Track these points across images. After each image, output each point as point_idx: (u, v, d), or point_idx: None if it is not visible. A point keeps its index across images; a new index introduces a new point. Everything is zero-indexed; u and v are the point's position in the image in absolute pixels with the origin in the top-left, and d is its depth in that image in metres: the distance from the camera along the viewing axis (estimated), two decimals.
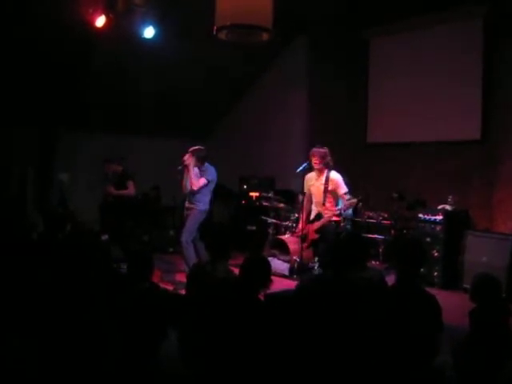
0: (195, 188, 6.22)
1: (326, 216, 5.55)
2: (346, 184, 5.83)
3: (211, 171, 6.42)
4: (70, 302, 3.45)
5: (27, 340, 2.89)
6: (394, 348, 2.98)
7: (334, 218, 5.59)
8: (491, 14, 7.15)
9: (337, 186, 5.58)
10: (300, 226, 5.77)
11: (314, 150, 5.69)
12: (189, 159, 6.27)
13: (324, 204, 5.58)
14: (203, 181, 6.27)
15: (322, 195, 5.56)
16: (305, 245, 5.56)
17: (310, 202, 5.84)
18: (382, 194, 7.64)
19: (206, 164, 6.45)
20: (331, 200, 5.62)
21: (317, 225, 5.52)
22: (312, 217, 5.59)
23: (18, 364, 2.66)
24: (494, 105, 7.19)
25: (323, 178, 5.58)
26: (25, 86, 7.85)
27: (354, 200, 5.49)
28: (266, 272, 3.39)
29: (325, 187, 5.56)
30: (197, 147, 6.41)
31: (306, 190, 5.85)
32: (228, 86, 9.89)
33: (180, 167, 6.28)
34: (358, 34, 8.56)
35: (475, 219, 7.18)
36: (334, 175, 5.61)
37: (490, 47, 7.19)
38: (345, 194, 5.59)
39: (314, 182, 5.58)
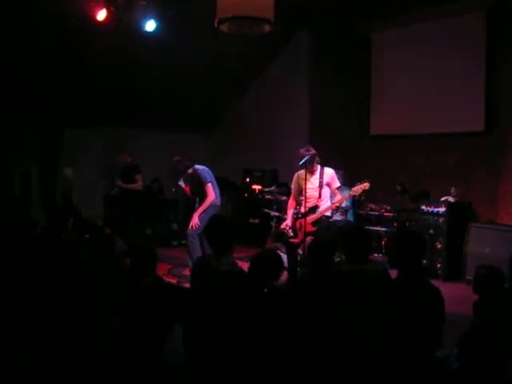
0: (211, 202, 6.22)
1: (322, 208, 5.57)
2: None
3: (204, 174, 6.31)
4: (73, 296, 3.46)
5: (29, 335, 2.90)
6: (396, 340, 2.99)
7: (328, 214, 5.64)
8: (494, 6, 7.11)
9: (331, 180, 5.69)
10: (288, 222, 5.78)
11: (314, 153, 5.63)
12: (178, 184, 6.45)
13: (320, 197, 5.63)
14: (212, 195, 6.23)
15: (317, 189, 5.63)
16: (296, 240, 5.61)
17: (297, 199, 5.90)
18: (385, 187, 7.64)
19: (194, 168, 6.35)
20: (326, 192, 5.72)
21: (313, 217, 5.53)
22: (304, 210, 5.57)
23: (19, 360, 2.67)
24: (497, 97, 7.17)
25: (317, 174, 5.66)
26: (26, 83, 7.83)
27: (366, 184, 5.50)
28: (278, 267, 3.41)
29: (320, 181, 5.64)
30: (172, 164, 6.36)
31: (293, 185, 5.91)
32: (230, 80, 9.86)
33: (174, 189, 6.37)
34: (360, 27, 8.52)
35: (478, 211, 7.17)
36: (328, 169, 5.73)
37: (493, 40, 7.15)
38: (337, 188, 5.73)
39: (308, 178, 5.57)
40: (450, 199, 6.90)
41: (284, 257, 6.92)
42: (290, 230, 5.70)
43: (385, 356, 2.93)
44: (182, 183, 6.46)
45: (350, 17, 8.58)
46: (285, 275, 6.11)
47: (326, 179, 5.66)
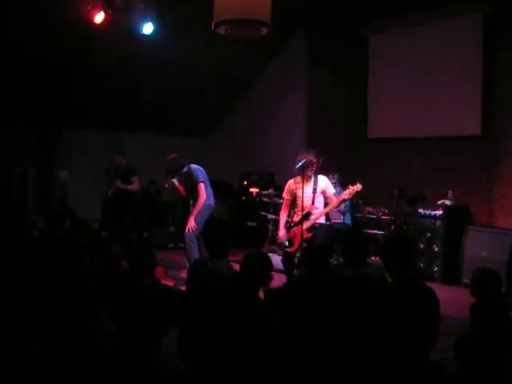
0: (203, 203, 6.22)
1: (315, 215, 5.49)
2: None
3: (197, 172, 6.30)
4: (71, 300, 3.45)
5: (26, 337, 2.89)
6: (392, 342, 2.99)
7: (322, 220, 5.61)
8: (491, 10, 7.14)
9: (326, 187, 5.61)
10: (281, 233, 5.77)
11: (311, 158, 5.52)
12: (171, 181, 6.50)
13: (313, 204, 5.54)
14: (203, 195, 6.23)
15: (311, 196, 5.55)
16: (292, 249, 5.55)
17: (289, 207, 5.83)
18: (383, 190, 7.64)
19: (189, 166, 6.35)
20: (320, 201, 5.63)
21: (307, 224, 5.44)
22: (298, 218, 5.52)
23: (16, 362, 2.66)
24: (494, 101, 7.20)
25: (311, 181, 5.57)
26: (24, 85, 7.84)
27: (358, 185, 5.48)
28: (267, 269, 3.38)
29: (314, 188, 5.57)
30: (167, 161, 6.36)
31: (286, 195, 5.83)
32: (228, 83, 9.87)
33: (167, 186, 6.40)
34: (358, 29, 8.55)
35: (475, 214, 7.18)
36: (322, 177, 5.66)
37: (489, 43, 7.18)
38: (334, 194, 5.67)
39: (301, 185, 5.51)
40: (447, 202, 6.91)
41: (280, 259, 6.94)
42: (286, 242, 5.65)
43: (382, 359, 2.93)
44: (175, 181, 6.44)
45: (347, 19, 8.60)
46: (278, 277, 6.12)
47: (320, 186, 5.58)
